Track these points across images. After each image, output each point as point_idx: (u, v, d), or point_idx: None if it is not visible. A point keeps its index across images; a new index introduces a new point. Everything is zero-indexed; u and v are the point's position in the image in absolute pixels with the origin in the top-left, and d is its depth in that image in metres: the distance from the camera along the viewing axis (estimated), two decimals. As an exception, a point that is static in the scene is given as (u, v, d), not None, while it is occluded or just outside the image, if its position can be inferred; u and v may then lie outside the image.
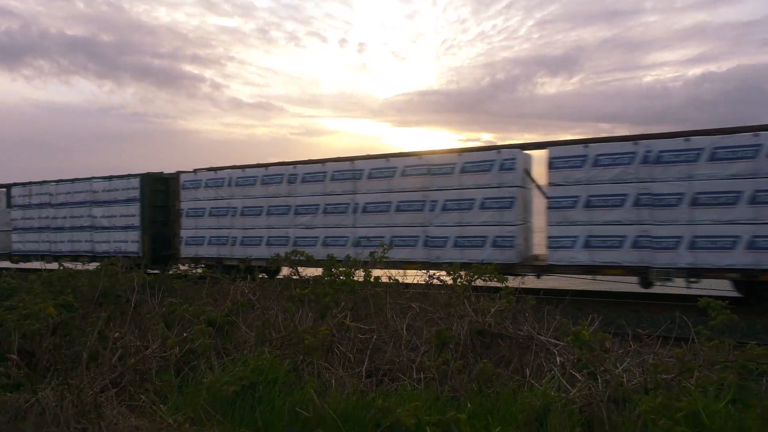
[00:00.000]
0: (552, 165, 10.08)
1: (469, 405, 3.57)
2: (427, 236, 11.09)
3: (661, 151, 9.27)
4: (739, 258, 8.78)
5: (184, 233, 14.32)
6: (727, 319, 4.16)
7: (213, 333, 4.53)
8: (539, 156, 10.79)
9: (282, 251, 9.27)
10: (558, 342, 4.37)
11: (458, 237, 10.78)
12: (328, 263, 6.60)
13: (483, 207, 10.54)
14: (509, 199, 10.35)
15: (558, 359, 4.12)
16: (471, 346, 4.53)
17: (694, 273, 9.09)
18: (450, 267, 6.59)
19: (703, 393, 3.33)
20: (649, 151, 9.31)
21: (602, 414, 3.30)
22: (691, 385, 3.49)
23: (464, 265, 6.70)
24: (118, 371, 4.04)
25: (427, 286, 6.79)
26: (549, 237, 10.13)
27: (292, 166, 12.87)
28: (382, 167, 11.62)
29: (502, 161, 10.43)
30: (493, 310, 4.79)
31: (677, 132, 9.45)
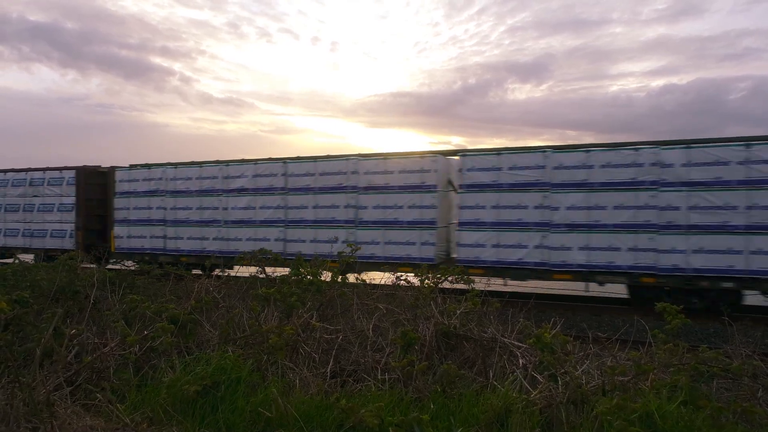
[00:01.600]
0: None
1: (432, 406, 3.59)
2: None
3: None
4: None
5: None
6: (681, 323, 4.33)
7: (175, 331, 4.43)
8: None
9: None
10: (521, 344, 4.44)
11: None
12: (296, 262, 6.54)
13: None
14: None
15: (520, 361, 4.19)
16: (436, 348, 4.56)
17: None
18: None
19: (657, 394, 3.45)
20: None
21: (561, 415, 3.37)
22: (646, 386, 3.61)
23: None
24: (73, 369, 3.91)
25: (395, 287, 6.82)
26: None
27: None
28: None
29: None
30: (458, 312, 4.83)
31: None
